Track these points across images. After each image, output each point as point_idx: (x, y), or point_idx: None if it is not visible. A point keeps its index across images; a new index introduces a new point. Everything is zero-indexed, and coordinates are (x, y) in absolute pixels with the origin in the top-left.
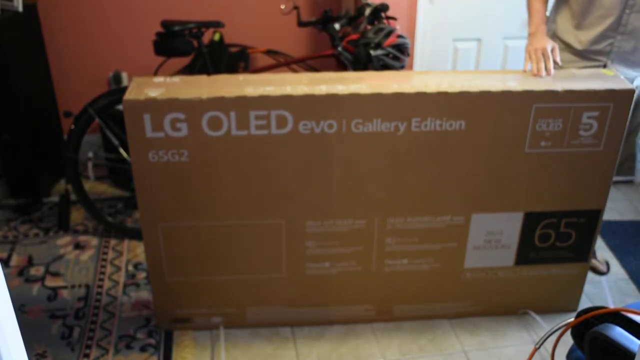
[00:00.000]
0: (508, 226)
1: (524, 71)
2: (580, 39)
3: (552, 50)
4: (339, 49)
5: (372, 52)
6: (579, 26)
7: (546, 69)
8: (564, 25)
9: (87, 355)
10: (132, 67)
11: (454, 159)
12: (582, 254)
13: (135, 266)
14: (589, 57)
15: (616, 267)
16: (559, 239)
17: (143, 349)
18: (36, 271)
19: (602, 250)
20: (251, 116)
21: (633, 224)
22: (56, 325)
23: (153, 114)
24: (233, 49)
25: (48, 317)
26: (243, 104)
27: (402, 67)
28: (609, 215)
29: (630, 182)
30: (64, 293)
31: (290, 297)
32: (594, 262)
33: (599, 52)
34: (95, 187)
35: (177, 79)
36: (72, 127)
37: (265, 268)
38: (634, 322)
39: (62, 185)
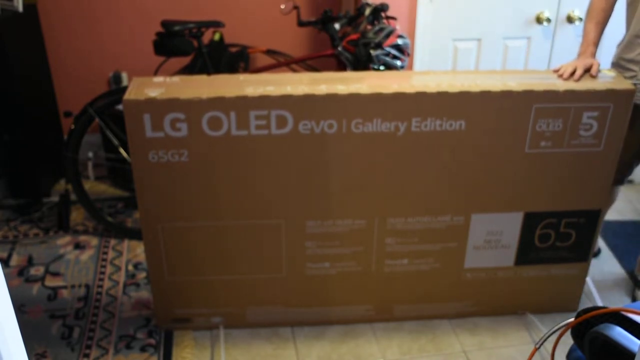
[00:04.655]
0: (508, 226)
1: (550, 70)
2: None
3: (591, 67)
4: (339, 49)
5: (372, 52)
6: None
7: (573, 73)
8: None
9: (87, 355)
10: (132, 67)
11: (454, 158)
12: (582, 254)
13: (135, 266)
14: (623, 66)
15: (616, 267)
16: (559, 239)
17: (143, 349)
18: (36, 271)
19: (602, 250)
20: (251, 116)
21: (633, 224)
22: (56, 325)
23: (153, 114)
24: (233, 49)
25: (48, 317)
26: (243, 104)
27: (402, 67)
28: (609, 215)
29: (631, 182)
30: (64, 293)
31: (290, 297)
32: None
33: (631, 61)
34: (95, 187)
35: (177, 79)
36: (72, 127)
37: (265, 268)
38: (634, 322)
39: (62, 185)
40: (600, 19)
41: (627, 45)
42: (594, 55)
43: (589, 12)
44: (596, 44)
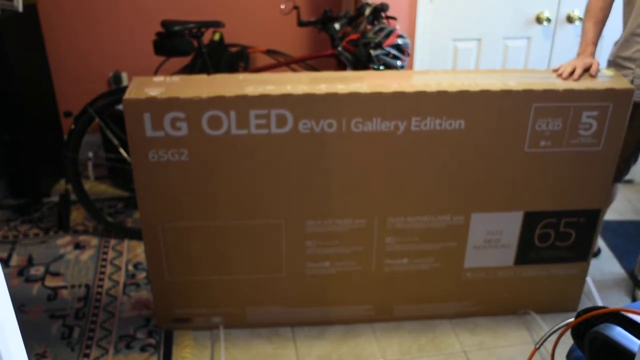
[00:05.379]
0: (508, 226)
1: (550, 70)
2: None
3: (590, 66)
4: (339, 49)
5: (372, 52)
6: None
7: (572, 73)
8: (618, 43)
9: (87, 355)
10: (132, 67)
11: (453, 158)
12: (582, 253)
13: (135, 266)
14: (620, 64)
15: (616, 267)
16: (559, 238)
17: (143, 349)
18: (36, 271)
19: (602, 250)
20: (251, 115)
21: (633, 224)
22: (56, 325)
23: (153, 113)
24: (233, 49)
25: (48, 317)
26: (243, 103)
27: (402, 67)
28: (609, 215)
29: (630, 182)
30: (64, 293)
31: (290, 297)
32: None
33: (628, 59)
34: (95, 187)
35: (177, 78)
36: (72, 127)
37: (265, 268)
38: (634, 322)
39: (62, 185)
40: (598, 18)
41: (623, 43)
42: (593, 54)
43: (587, 11)
44: (595, 43)
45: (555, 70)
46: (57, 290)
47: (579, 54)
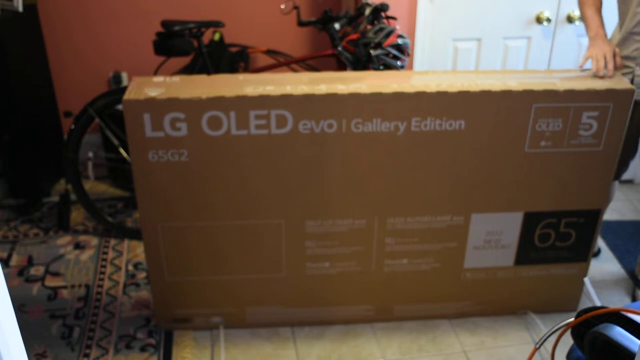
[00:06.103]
0: (508, 226)
1: (581, 69)
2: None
3: (614, 55)
4: (339, 48)
5: (372, 52)
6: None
7: (607, 68)
8: (614, 39)
9: (87, 355)
10: (132, 67)
11: (453, 158)
12: (582, 254)
13: (135, 266)
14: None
15: (616, 267)
16: (559, 238)
17: (143, 349)
18: (36, 271)
19: (602, 250)
20: (251, 116)
21: (633, 224)
22: (56, 325)
23: (153, 113)
24: (233, 49)
25: (48, 317)
26: (243, 104)
27: (402, 67)
28: (609, 215)
29: (630, 182)
30: (64, 293)
31: (290, 297)
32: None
33: (627, 58)
34: (95, 187)
35: (177, 78)
36: (72, 127)
37: (265, 268)
38: (634, 322)
39: (62, 185)
40: (597, 5)
41: (622, 42)
42: (605, 37)
43: (582, 2)
44: (603, 26)
45: (593, 72)
46: (57, 290)
47: (592, 39)
